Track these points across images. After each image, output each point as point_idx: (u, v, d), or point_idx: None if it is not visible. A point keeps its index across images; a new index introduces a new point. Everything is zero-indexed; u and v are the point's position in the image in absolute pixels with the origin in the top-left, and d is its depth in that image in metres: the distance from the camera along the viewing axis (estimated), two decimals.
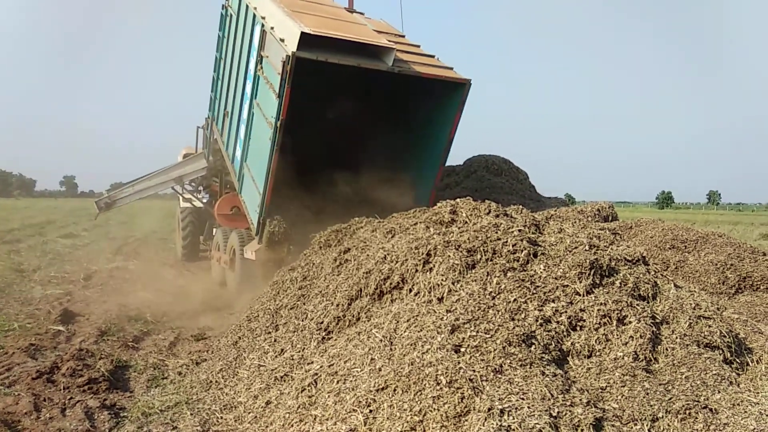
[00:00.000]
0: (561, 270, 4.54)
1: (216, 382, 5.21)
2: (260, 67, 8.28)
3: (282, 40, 7.33)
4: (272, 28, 7.84)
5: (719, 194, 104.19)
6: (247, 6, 9.12)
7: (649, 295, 4.56)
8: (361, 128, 9.69)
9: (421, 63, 8.25)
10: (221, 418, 4.58)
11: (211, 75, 12.37)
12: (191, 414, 4.66)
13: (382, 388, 3.70)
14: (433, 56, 8.83)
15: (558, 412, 3.26)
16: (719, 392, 3.72)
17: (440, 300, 4.44)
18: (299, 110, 8.23)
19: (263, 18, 8.28)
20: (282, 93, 7.16)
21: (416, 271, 4.75)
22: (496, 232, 4.85)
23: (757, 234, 21.98)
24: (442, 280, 4.51)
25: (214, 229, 12.09)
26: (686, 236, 7.40)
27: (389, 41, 8.20)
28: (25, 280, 10.55)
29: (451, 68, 8.41)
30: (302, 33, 6.98)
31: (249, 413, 4.48)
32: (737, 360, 4.27)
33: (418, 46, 9.29)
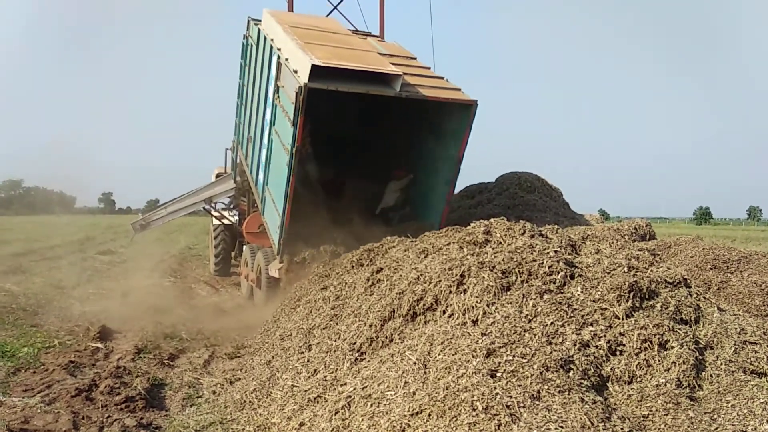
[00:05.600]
0: (599, 292, 4.44)
1: (250, 402, 5.22)
2: (277, 96, 8.66)
3: (295, 72, 7.68)
4: (287, 59, 8.20)
5: (760, 210, 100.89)
6: (265, 37, 9.52)
7: (692, 318, 4.43)
8: (375, 149, 9.81)
9: (429, 86, 8.45)
10: None
11: (236, 101, 12.79)
12: None
13: (417, 413, 3.66)
14: (441, 78, 9.07)
15: None
16: (767, 422, 3.58)
17: (475, 322, 4.39)
18: (317, 136, 8.48)
19: (279, 50, 8.66)
20: (296, 122, 7.48)
21: (450, 292, 4.71)
22: (532, 253, 4.78)
23: None
24: (477, 302, 4.46)
25: (244, 247, 12.31)
26: (728, 256, 7.17)
27: (399, 64, 8.56)
28: (64, 296, 10.80)
29: (459, 89, 8.62)
30: (313, 66, 7.26)
31: None
32: None
33: (428, 68, 9.57)
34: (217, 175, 15.20)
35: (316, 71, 7.38)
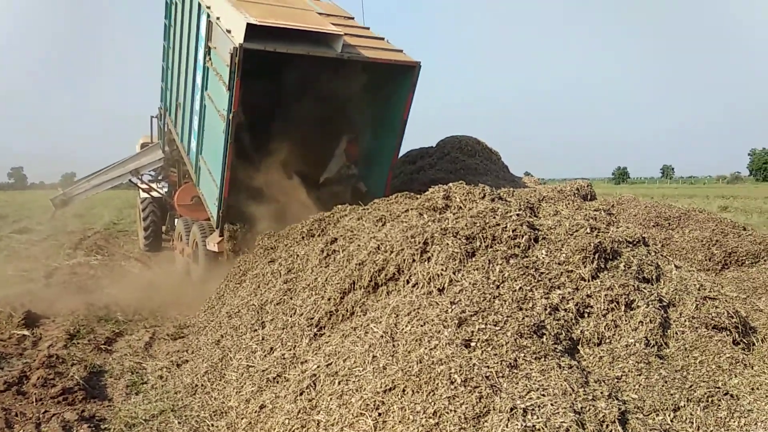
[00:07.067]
0: (564, 255, 4.39)
1: (202, 385, 4.91)
2: (209, 59, 8.15)
3: (229, 32, 7.21)
4: (218, 18, 7.69)
5: (672, 168, 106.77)
6: None
7: (653, 277, 4.46)
8: (312, 112, 9.47)
9: (370, 47, 8.16)
10: (212, 425, 4.29)
11: (161, 64, 11.97)
12: (179, 422, 4.36)
13: (390, 389, 3.48)
14: (382, 38, 8.76)
15: (581, 408, 3.10)
16: (736, 376, 3.65)
17: (441, 291, 4.24)
18: (251, 102, 8.04)
19: (208, 8, 8.11)
20: (232, 86, 7.06)
21: (413, 261, 4.53)
22: (494, 217, 4.66)
23: (716, 207, 22.46)
24: (442, 269, 4.30)
25: (176, 220, 11.75)
26: (669, 213, 7.40)
27: (337, 24, 8.12)
28: None
29: (401, 50, 8.34)
30: (248, 24, 6.84)
31: (242, 419, 4.21)
32: (744, 340, 4.21)
33: (368, 29, 9.21)
34: (143, 145, 14.30)
35: (252, 31, 6.93)
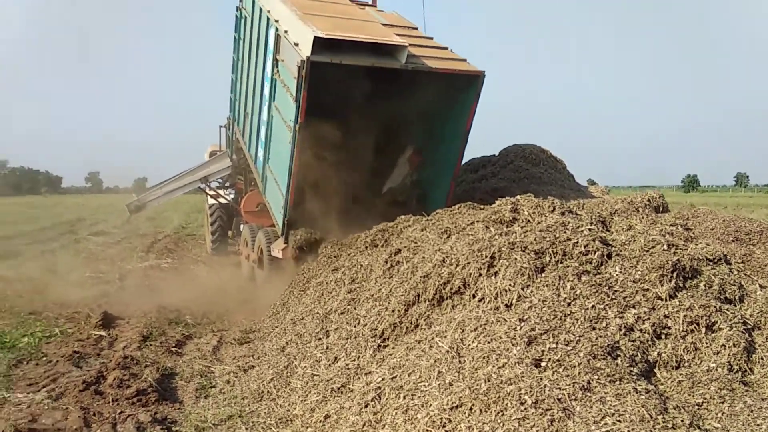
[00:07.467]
0: (639, 272, 4.22)
1: (268, 392, 4.99)
2: (276, 71, 8.31)
3: (296, 45, 7.35)
4: (286, 32, 7.84)
5: (747, 176, 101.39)
6: (260, 9, 9.12)
7: (736, 297, 4.22)
8: (381, 124, 9.50)
9: (434, 57, 8.13)
10: None
11: (230, 76, 12.37)
12: (246, 428, 4.45)
13: (457, 407, 3.43)
14: (446, 48, 8.69)
15: None
16: None
17: (508, 307, 4.15)
18: (321, 109, 8.14)
19: (277, 21, 8.28)
20: (299, 97, 7.18)
21: (480, 275, 4.46)
22: (565, 232, 4.53)
23: None
24: (510, 285, 4.21)
25: (242, 225, 12.06)
26: (750, 227, 6.97)
27: (401, 35, 8.15)
28: (61, 281, 10.46)
29: (465, 60, 8.26)
30: (316, 37, 6.98)
31: (307, 428, 4.25)
32: None
33: (431, 38, 9.18)
34: (211, 153, 14.84)
35: (319, 43, 7.05)
